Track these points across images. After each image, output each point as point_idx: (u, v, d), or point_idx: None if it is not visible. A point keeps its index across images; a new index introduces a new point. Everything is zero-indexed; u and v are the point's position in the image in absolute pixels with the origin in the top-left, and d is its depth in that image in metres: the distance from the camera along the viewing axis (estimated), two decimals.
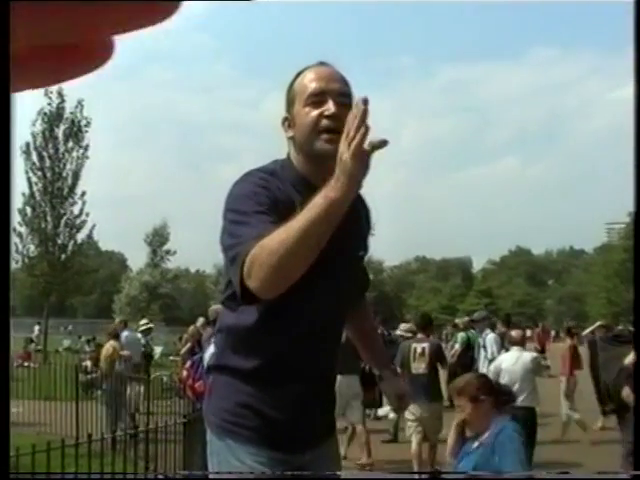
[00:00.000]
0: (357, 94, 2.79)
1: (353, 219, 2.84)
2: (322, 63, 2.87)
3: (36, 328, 38.28)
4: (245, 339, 2.85)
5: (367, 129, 2.32)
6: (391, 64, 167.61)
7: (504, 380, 9.63)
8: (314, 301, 2.81)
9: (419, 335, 11.19)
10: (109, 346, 14.35)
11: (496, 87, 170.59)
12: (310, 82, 2.79)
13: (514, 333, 10.78)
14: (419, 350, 10.69)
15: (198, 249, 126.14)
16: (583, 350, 14.95)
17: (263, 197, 2.68)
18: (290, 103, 2.85)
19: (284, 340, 2.82)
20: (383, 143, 2.35)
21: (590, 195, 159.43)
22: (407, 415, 10.00)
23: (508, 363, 10.01)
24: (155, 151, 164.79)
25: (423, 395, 10.00)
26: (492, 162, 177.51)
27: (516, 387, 9.48)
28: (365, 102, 2.32)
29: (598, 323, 18.60)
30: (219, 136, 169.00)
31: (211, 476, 2.94)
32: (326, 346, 2.98)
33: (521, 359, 9.92)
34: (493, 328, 14.86)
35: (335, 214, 2.40)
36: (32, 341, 35.80)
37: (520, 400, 9.46)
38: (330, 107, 2.71)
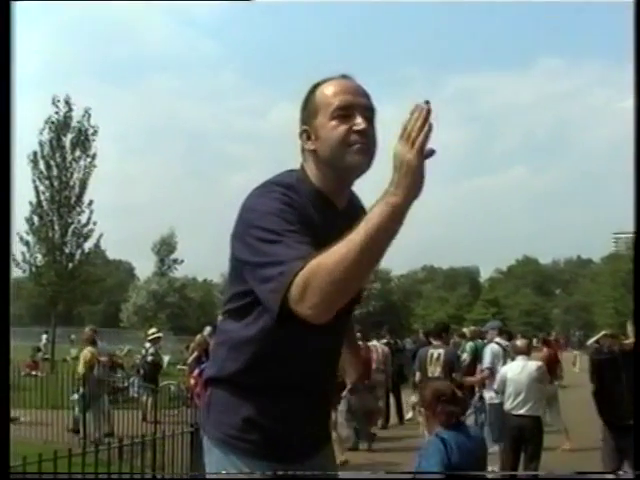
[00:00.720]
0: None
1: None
2: (345, 76, 2.83)
3: (43, 337, 38.31)
4: (248, 353, 2.82)
5: (431, 129, 2.30)
6: (398, 74, 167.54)
7: (509, 389, 9.73)
8: (314, 331, 2.76)
9: (435, 342, 11.99)
10: (87, 352, 14.50)
11: (503, 97, 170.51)
12: (336, 95, 2.74)
13: (519, 342, 10.84)
14: (435, 355, 11.45)
15: (205, 258, 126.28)
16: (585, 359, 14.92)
17: (290, 215, 2.60)
18: (311, 115, 2.79)
19: (288, 356, 2.81)
20: (431, 152, 2.32)
21: (597, 204, 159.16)
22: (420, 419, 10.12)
23: (513, 372, 10.07)
24: (162, 160, 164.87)
25: None
26: (499, 172, 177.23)
27: (521, 396, 9.57)
28: (428, 103, 2.31)
29: (603, 332, 18.51)
30: (226, 145, 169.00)
31: (211, 477, 2.93)
32: (328, 361, 3.00)
33: (526, 368, 9.97)
34: (508, 338, 14.89)
35: (398, 220, 2.30)
36: (39, 350, 35.83)
37: (526, 409, 9.53)
38: (359, 122, 2.68)
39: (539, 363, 10.05)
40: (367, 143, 2.68)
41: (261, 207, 2.64)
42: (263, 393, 2.82)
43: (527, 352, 10.42)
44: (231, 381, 2.86)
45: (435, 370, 11.33)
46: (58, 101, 33.53)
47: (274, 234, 2.53)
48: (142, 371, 18.89)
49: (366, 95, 2.79)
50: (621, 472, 5.20)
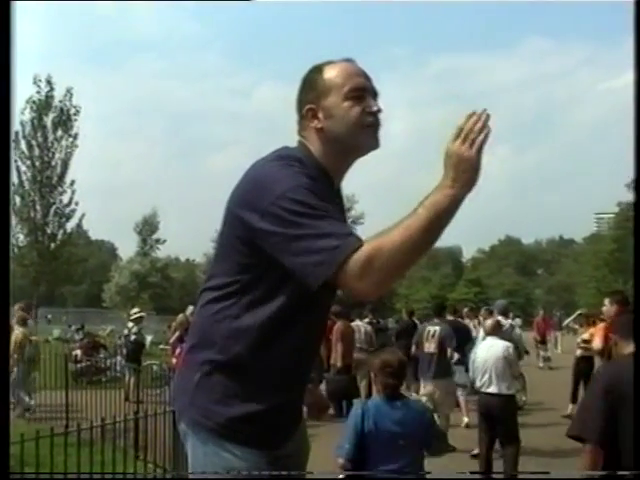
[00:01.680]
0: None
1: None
2: (350, 60, 2.90)
3: None
4: (253, 338, 2.77)
5: (489, 132, 2.50)
6: (383, 54, 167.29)
7: (477, 368, 9.81)
8: (314, 314, 2.87)
9: (435, 319, 12.80)
10: (19, 332, 14.33)
11: (488, 77, 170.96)
12: (350, 77, 2.81)
13: (488, 322, 10.95)
14: (431, 332, 12.13)
15: (188, 238, 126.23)
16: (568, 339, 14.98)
17: (319, 190, 2.62)
18: (320, 95, 2.82)
19: (292, 342, 2.80)
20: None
21: (580, 185, 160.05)
22: (421, 392, 11.82)
23: (481, 352, 10.21)
24: (145, 140, 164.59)
25: (432, 372, 11.79)
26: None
27: (487, 376, 9.63)
28: (486, 110, 2.54)
29: (578, 312, 18.54)
30: (210, 125, 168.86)
31: (210, 476, 2.90)
32: (317, 346, 3.10)
33: (493, 348, 10.01)
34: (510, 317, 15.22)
35: (453, 212, 2.45)
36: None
37: (491, 388, 9.59)
38: (373, 104, 2.79)
39: (507, 343, 10.06)
40: (379, 124, 2.81)
41: (287, 179, 2.62)
42: (265, 381, 2.79)
43: (494, 332, 10.39)
44: (232, 367, 2.79)
45: (430, 346, 11.95)
46: (39, 80, 33.43)
47: (312, 208, 2.53)
48: (125, 351, 18.89)
49: (371, 79, 2.88)
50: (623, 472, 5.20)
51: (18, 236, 33.40)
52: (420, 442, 5.59)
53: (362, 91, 2.79)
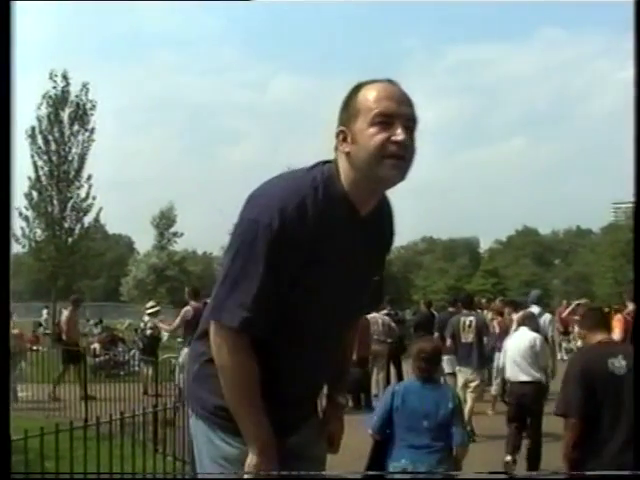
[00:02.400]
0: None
1: (371, 248, 2.92)
2: (390, 81, 2.76)
3: (44, 312, 38.32)
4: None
5: None
6: (397, 46, 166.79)
7: (508, 358, 10.28)
8: (320, 323, 2.84)
9: (464, 311, 13.43)
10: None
11: (503, 68, 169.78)
12: (379, 101, 2.67)
13: (520, 314, 11.70)
14: (467, 323, 12.76)
15: (205, 231, 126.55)
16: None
17: (278, 255, 2.64)
18: (351, 117, 2.71)
19: (287, 340, 2.81)
20: None
21: (597, 175, 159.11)
22: (458, 379, 12.52)
23: (511, 343, 10.59)
24: (162, 134, 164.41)
25: (471, 360, 12.48)
26: (499, 142, 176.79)
27: (517, 366, 10.05)
28: None
29: (576, 302, 18.43)
30: (226, 119, 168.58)
31: (209, 477, 2.93)
32: (330, 348, 3.03)
33: (522, 339, 10.34)
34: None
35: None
36: (40, 325, 35.88)
37: (522, 376, 9.80)
38: (399, 133, 2.62)
39: (534, 334, 10.43)
40: (403, 155, 2.64)
41: (259, 228, 2.65)
42: (262, 382, 2.78)
43: (525, 323, 10.81)
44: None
45: (468, 336, 12.62)
46: (56, 76, 33.46)
47: (253, 263, 2.66)
48: (141, 344, 18.94)
49: (410, 104, 2.74)
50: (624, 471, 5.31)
51: (36, 231, 33.46)
52: (442, 425, 5.92)
53: (391, 117, 2.63)
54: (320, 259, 2.70)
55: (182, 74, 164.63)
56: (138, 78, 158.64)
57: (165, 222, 77.57)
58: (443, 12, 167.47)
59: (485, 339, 12.86)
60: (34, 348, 23.49)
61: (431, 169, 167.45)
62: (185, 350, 13.96)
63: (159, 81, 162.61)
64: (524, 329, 10.67)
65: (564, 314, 23.66)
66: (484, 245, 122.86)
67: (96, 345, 20.95)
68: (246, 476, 2.74)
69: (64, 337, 16.98)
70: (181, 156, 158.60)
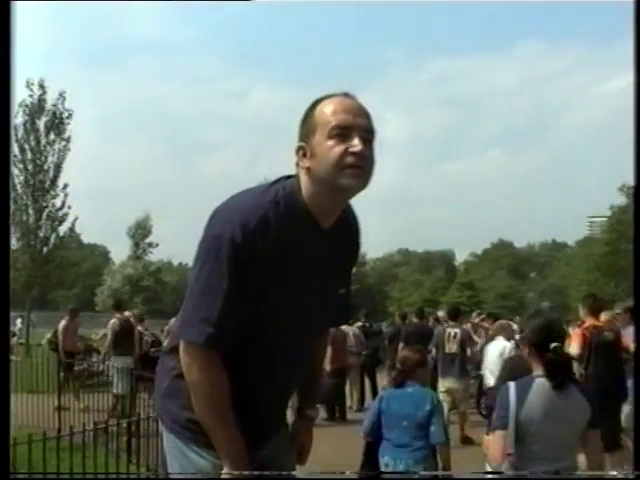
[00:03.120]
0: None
1: (336, 260, 2.94)
2: (346, 94, 2.79)
3: (18, 321, 38.12)
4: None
5: None
6: (377, 57, 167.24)
7: (484, 366, 11.38)
8: (287, 336, 2.86)
9: (450, 322, 13.87)
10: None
11: (482, 80, 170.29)
12: (335, 114, 2.71)
13: (496, 325, 12.73)
14: (452, 334, 13.30)
15: (181, 242, 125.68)
16: None
17: (240, 269, 2.68)
18: (309, 132, 2.75)
19: (254, 350, 2.83)
20: None
21: (573, 189, 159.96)
22: (439, 387, 12.60)
23: (487, 352, 11.59)
24: (138, 143, 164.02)
25: (454, 370, 12.96)
26: (476, 155, 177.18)
27: (490, 373, 10.84)
28: None
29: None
30: (204, 129, 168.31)
31: (197, 476, 2.92)
32: (295, 368, 3.04)
33: (497, 348, 11.21)
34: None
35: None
36: (14, 334, 35.64)
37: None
38: (356, 143, 2.66)
39: (507, 344, 11.11)
40: (362, 166, 2.68)
41: (222, 243, 2.69)
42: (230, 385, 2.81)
43: (500, 333, 11.76)
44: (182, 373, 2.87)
45: (452, 347, 13.11)
46: (32, 84, 33.39)
47: (219, 277, 2.69)
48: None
49: (367, 116, 2.77)
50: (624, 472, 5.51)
51: (10, 240, 33.38)
52: (421, 425, 6.32)
53: (347, 129, 2.67)
54: (284, 273, 2.73)
55: (161, 84, 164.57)
56: (116, 87, 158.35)
57: (141, 232, 77.57)
58: (424, 24, 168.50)
59: (468, 351, 13.28)
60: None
61: (407, 181, 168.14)
62: (121, 358, 14.48)
63: (137, 90, 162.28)
64: (500, 339, 11.31)
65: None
66: (460, 258, 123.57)
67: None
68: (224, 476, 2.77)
69: (60, 347, 16.95)
70: (158, 166, 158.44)
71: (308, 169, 2.74)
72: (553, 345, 4.81)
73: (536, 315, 6.35)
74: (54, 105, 33.74)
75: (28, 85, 33.18)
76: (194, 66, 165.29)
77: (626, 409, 9.26)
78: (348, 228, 3.03)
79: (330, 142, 2.67)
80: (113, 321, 14.89)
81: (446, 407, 11.89)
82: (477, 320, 17.85)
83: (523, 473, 4.70)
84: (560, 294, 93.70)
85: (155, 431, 8.53)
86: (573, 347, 9.12)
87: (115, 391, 14.31)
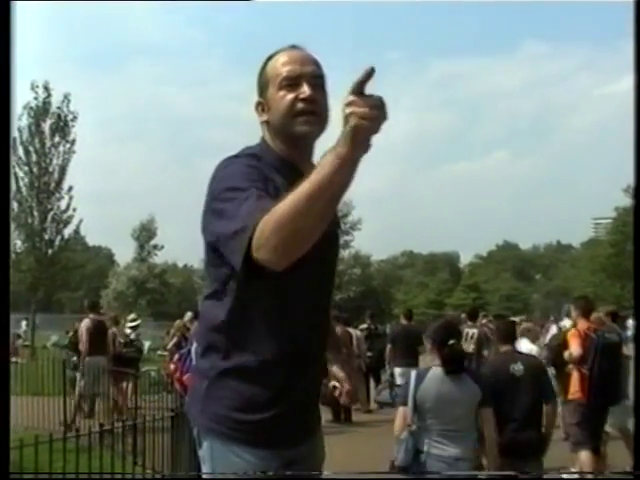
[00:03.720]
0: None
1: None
2: (294, 46, 2.92)
3: (23, 324, 38.15)
4: (230, 336, 2.82)
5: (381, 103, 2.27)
6: (381, 58, 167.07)
7: None
8: (306, 299, 2.84)
9: (469, 323, 14.66)
10: None
11: (487, 82, 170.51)
12: (283, 65, 2.83)
13: (522, 326, 12.83)
14: (470, 334, 13.91)
15: (185, 244, 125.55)
16: None
17: (256, 175, 2.67)
18: (263, 87, 2.90)
19: (272, 334, 2.80)
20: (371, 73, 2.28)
21: (577, 190, 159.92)
22: None
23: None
24: (143, 145, 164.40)
25: (473, 370, 12.56)
26: (481, 157, 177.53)
27: None
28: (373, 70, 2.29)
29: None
30: (208, 130, 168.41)
31: (208, 477, 2.90)
32: (317, 339, 2.98)
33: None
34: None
35: (347, 173, 2.27)
36: (19, 337, 35.66)
37: None
38: (305, 90, 2.77)
39: (532, 346, 11.59)
40: (313, 110, 2.77)
41: (228, 173, 2.71)
42: (256, 376, 2.79)
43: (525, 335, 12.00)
44: (237, 371, 2.82)
45: (469, 346, 13.39)
46: (37, 87, 33.40)
47: (240, 192, 2.57)
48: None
49: (315, 63, 2.88)
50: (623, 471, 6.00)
51: (15, 242, 33.25)
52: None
53: (296, 79, 2.79)
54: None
55: (164, 86, 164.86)
56: (120, 90, 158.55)
57: (146, 234, 77.53)
58: (427, 25, 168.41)
59: (486, 351, 13.58)
60: (13, 360, 23.40)
61: (412, 182, 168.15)
62: (87, 359, 14.40)
63: (141, 93, 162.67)
64: (524, 341, 11.34)
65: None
66: (464, 260, 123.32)
67: (75, 357, 20.79)
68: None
69: (81, 347, 16.94)
70: (162, 168, 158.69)
71: (267, 122, 2.90)
72: (451, 342, 6.10)
73: (438, 319, 8.00)
74: (59, 107, 33.73)
75: (33, 87, 33.20)
76: (197, 68, 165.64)
77: (617, 410, 9.39)
78: None
79: (281, 93, 2.81)
80: (86, 321, 14.88)
81: None
82: (484, 322, 17.86)
83: (530, 474, 5.15)
84: (565, 296, 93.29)
85: (161, 432, 8.55)
86: (573, 348, 9.11)
87: (81, 390, 14.46)
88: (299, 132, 2.78)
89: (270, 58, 2.92)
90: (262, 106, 2.91)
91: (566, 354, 9.24)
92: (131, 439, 8.67)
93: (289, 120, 2.78)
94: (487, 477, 6.32)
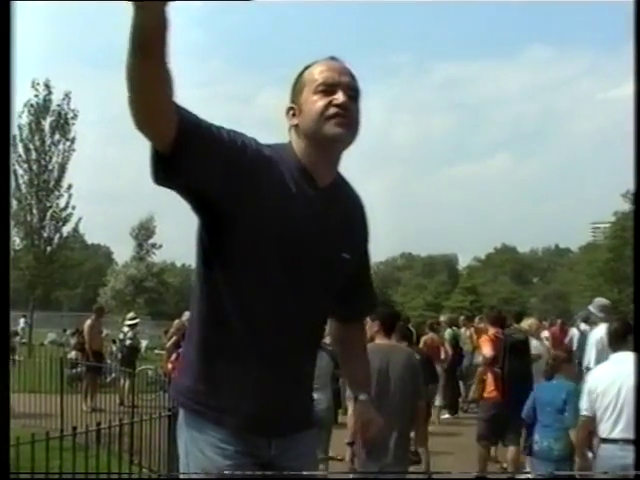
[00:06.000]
0: None
1: (340, 220, 2.95)
2: (333, 58, 2.94)
3: (21, 321, 38.11)
4: (208, 317, 2.87)
5: None
6: (386, 61, 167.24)
7: None
8: (278, 295, 2.84)
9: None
10: None
11: (490, 85, 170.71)
12: (321, 73, 2.86)
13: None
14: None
15: (184, 243, 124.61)
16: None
17: (244, 139, 2.77)
18: (298, 93, 2.90)
19: (249, 318, 2.81)
20: None
21: (576, 194, 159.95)
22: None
23: None
24: (143, 144, 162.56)
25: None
26: (481, 160, 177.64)
27: None
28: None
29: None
30: None
31: (201, 476, 2.90)
32: (300, 334, 2.94)
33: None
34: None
35: (139, 14, 2.30)
36: (17, 334, 35.61)
37: None
38: (340, 97, 2.79)
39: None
40: (346, 116, 2.78)
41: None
42: (227, 355, 2.82)
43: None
44: (197, 340, 2.89)
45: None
46: (38, 84, 33.35)
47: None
48: (120, 355, 18.90)
49: (352, 75, 2.90)
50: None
51: (14, 239, 33.17)
52: (558, 409, 7.82)
53: (332, 86, 2.82)
54: (281, 220, 2.76)
55: None
56: (121, 88, 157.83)
57: (144, 233, 77.38)
58: (431, 29, 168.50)
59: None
60: (10, 357, 23.39)
61: (412, 184, 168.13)
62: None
63: None
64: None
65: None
66: (463, 262, 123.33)
67: (73, 355, 20.81)
68: None
69: (86, 346, 17.04)
70: None
71: (296, 126, 2.89)
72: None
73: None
74: (59, 105, 33.68)
75: (34, 85, 33.13)
76: (200, 69, 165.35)
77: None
78: (348, 196, 3.09)
79: (315, 97, 2.82)
80: (89, 322, 15.12)
81: None
82: (482, 325, 17.91)
83: (524, 474, 5.27)
84: (563, 300, 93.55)
85: (157, 432, 8.56)
86: (485, 352, 10.20)
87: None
88: (329, 134, 2.78)
89: (308, 67, 2.94)
90: (293, 111, 2.92)
91: (480, 358, 10.51)
92: (128, 438, 8.68)
93: (321, 123, 2.79)
94: (487, 477, 6.45)
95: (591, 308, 11.56)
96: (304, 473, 2.92)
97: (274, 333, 2.85)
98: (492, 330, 10.49)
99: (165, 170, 2.56)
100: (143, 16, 2.26)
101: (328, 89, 2.81)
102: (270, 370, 2.86)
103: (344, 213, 3.02)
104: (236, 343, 2.81)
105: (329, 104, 2.79)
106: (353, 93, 2.85)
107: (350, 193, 3.10)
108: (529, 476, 8.85)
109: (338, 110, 2.78)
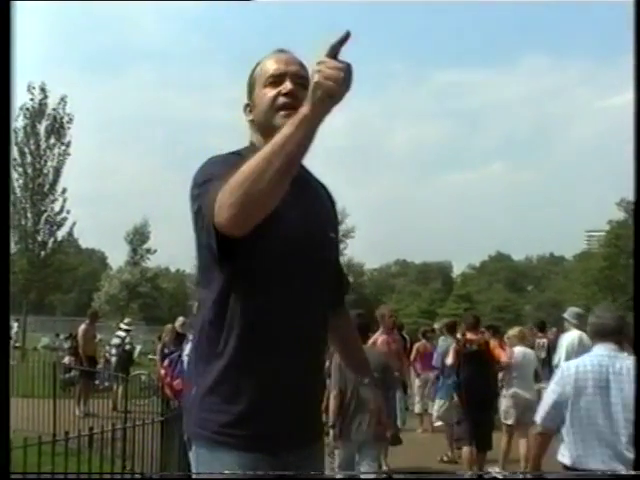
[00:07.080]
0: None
1: (320, 202, 3.02)
2: (281, 50, 3.01)
3: (14, 325, 38.05)
4: (222, 341, 2.78)
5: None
6: (382, 69, 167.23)
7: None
8: (290, 284, 2.80)
9: (539, 334, 16.36)
10: None
11: (486, 93, 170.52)
12: (270, 66, 2.94)
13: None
14: (541, 343, 15.47)
15: (178, 248, 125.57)
16: None
17: (233, 161, 2.68)
18: (251, 89, 3.00)
19: (262, 338, 2.76)
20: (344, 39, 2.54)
21: (571, 203, 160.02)
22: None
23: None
24: (138, 149, 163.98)
25: None
26: (476, 168, 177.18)
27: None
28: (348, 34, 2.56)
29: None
30: (204, 136, 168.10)
31: (207, 476, 2.87)
32: (309, 345, 2.90)
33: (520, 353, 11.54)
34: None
35: (304, 129, 2.38)
36: (10, 338, 35.55)
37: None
38: (287, 86, 2.87)
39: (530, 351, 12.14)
40: (295, 105, 2.71)
41: (203, 165, 2.86)
42: (252, 383, 2.76)
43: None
44: (221, 377, 2.78)
45: (540, 354, 14.69)
46: (33, 88, 33.39)
47: (213, 176, 2.68)
48: (113, 361, 18.88)
49: (299, 64, 2.97)
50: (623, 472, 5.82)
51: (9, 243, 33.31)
52: None
53: (280, 76, 2.90)
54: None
55: (161, 90, 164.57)
56: (116, 93, 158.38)
57: (139, 238, 77.44)
58: (428, 36, 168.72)
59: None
60: None
61: (406, 191, 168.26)
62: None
63: (138, 97, 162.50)
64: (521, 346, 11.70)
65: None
66: (457, 270, 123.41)
67: (66, 360, 20.77)
68: None
69: (80, 351, 17.07)
70: (157, 172, 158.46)
71: (252, 121, 3.00)
72: None
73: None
74: (55, 109, 33.75)
75: (29, 89, 33.23)
76: (195, 73, 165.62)
77: (504, 404, 11.09)
78: (311, 178, 3.11)
79: (265, 90, 2.92)
80: (83, 327, 15.17)
81: None
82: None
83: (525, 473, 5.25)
84: (557, 308, 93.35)
85: (150, 437, 8.54)
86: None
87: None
88: (279, 124, 2.71)
89: (258, 63, 3.02)
90: (250, 107, 3.01)
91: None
92: (120, 443, 8.66)
93: (271, 114, 2.87)
94: (488, 477, 6.33)
95: (566, 316, 12.12)
96: (304, 473, 2.88)
97: (292, 349, 2.82)
98: (469, 336, 10.78)
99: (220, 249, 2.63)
100: (311, 130, 2.39)
101: (277, 80, 2.90)
102: (294, 381, 2.83)
103: (318, 195, 3.08)
104: (266, 360, 2.77)
105: (278, 94, 2.87)
106: (302, 81, 2.86)
107: (310, 176, 3.09)
108: (529, 476, 8.70)
109: (286, 100, 2.85)
